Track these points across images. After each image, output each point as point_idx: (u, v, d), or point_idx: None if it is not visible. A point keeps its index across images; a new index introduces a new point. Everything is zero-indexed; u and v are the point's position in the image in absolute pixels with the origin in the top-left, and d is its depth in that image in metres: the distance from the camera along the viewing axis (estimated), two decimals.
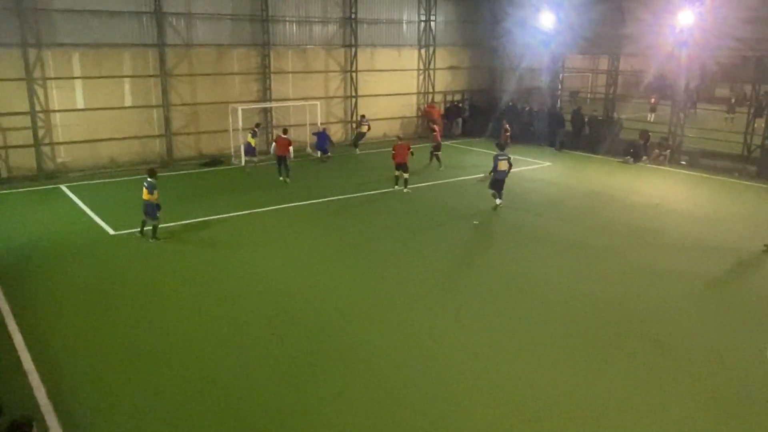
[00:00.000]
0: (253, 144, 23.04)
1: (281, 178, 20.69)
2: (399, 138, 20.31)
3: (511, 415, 8.04)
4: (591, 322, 10.73)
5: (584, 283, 12.51)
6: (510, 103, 30.85)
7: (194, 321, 10.63)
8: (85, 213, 17.03)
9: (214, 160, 23.80)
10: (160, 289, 12.08)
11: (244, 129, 23.31)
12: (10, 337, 9.87)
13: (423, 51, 30.17)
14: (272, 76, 25.41)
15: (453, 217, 17.09)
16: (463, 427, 7.76)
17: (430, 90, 30.89)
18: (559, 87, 30.21)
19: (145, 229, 14.74)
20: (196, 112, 23.99)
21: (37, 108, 20.68)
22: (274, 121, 25.87)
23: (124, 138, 22.53)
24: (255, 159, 23.25)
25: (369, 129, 27.07)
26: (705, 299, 11.90)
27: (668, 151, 24.74)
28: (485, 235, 16.28)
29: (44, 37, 20.38)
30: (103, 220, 16.25)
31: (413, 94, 30.57)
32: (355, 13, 27.19)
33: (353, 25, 27.28)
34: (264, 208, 17.64)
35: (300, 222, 16.56)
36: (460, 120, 31.53)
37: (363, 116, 27.38)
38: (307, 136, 25.66)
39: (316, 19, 26.43)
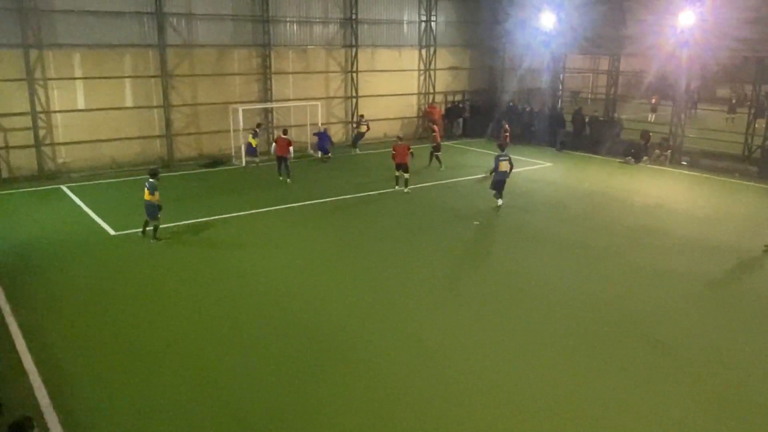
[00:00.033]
0: (254, 144, 23.07)
1: (281, 178, 20.72)
2: (399, 138, 20.32)
3: (511, 414, 8.04)
4: (591, 322, 10.73)
5: (585, 283, 12.51)
6: (511, 104, 30.86)
7: (194, 321, 10.64)
8: (85, 213, 17.05)
9: (215, 161, 23.81)
10: (160, 289, 12.09)
11: (244, 129, 23.33)
12: (10, 338, 9.88)
13: (423, 51, 30.17)
14: (273, 76, 25.43)
15: (453, 218, 17.09)
16: (463, 427, 7.77)
17: (431, 90, 30.89)
18: (560, 87, 30.21)
19: (147, 229, 14.76)
20: (197, 112, 24.01)
21: (38, 108, 20.70)
22: (275, 122, 25.88)
23: (125, 138, 22.54)
24: (256, 159, 23.28)
25: (368, 129, 27.07)
26: (705, 299, 11.90)
27: (669, 151, 24.72)
28: (486, 235, 16.28)
29: (45, 37, 20.41)
30: (104, 220, 16.26)
31: (414, 94, 30.57)
32: (356, 13, 27.20)
33: (354, 25, 27.29)
34: (264, 208, 17.65)
35: (300, 222, 16.58)
36: (460, 120, 31.53)
37: (362, 116, 27.40)
38: (307, 137, 25.67)
39: (317, 20, 26.44)
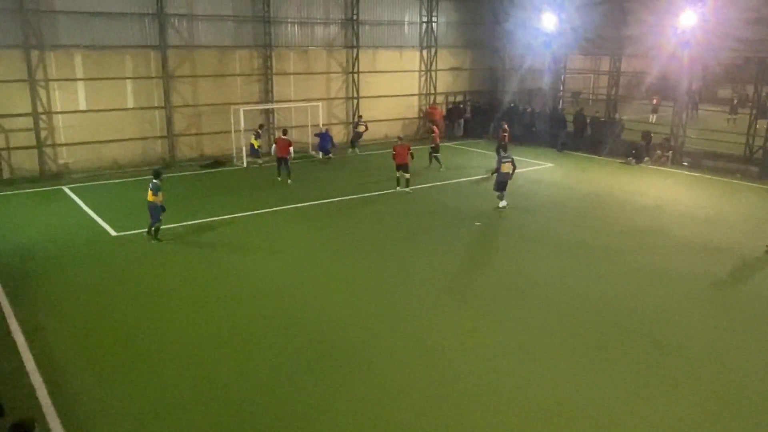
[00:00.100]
0: (256, 146, 23.10)
1: (279, 179, 20.73)
2: (399, 138, 20.33)
3: (511, 415, 8.04)
4: (592, 322, 10.72)
5: (586, 283, 12.50)
6: (512, 104, 30.85)
7: (195, 321, 10.65)
8: (87, 214, 17.06)
9: (216, 162, 23.84)
10: (161, 289, 12.10)
11: (246, 130, 23.35)
12: (12, 338, 9.89)
13: (425, 52, 30.19)
14: (274, 77, 25.45)
15: (455, 218, 17.08)
16: (463, 427, 7.76)
17: (432, 91, 30.91)
18: (561, 88, 30.21)
19: (152, 229, 14.77)
20: (198, 113, 24.04)
21: (40, 109, 20.74)
22: (276, 122, 25.90)
23: (126, 139, 22.59)
24: (259, 161, 23.31)
25: (366, 129, 27.06)
26: (706, 300, 11.88)
27: (670, 152, 24.71)
28: (487, 235, 16.27)
29: (46, 38, 20.45)
30: (105, 221, 16.27)
31: (415, 95, 30.60)
32: (357, 14, 27.22)
33: (355, 26, 27.31)
34: (265, 209, 17.66)
35: (301, 223, 16.58)
36: (461, 121, 31.54)
37: (360, 117, 27.43)
38: (309, 137, 25.69)
39: (318, 21, 26.46)
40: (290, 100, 26.03)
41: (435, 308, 11.25)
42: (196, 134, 24.18)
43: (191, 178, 21.84)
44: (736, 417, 8.11)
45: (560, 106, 29.97)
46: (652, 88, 32.31)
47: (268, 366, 9.19)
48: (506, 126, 24.99)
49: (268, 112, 25.77)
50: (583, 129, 27.90)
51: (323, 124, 25.81)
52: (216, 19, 23.70)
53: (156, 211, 14.35)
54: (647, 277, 12.80)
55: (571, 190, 20.55)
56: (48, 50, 20.57)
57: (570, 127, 28.23)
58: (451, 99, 31.88)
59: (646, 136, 25.58)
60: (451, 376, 8.93)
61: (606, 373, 9.08)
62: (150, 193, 14.21)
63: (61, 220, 16.50)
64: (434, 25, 29.95)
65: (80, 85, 21.44)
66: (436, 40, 30.22)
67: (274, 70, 25.39)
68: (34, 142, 20.82)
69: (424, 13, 29.65)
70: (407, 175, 19.52)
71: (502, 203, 17.61)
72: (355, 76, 27.94)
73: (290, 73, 26.11)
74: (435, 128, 23.95)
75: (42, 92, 20.70)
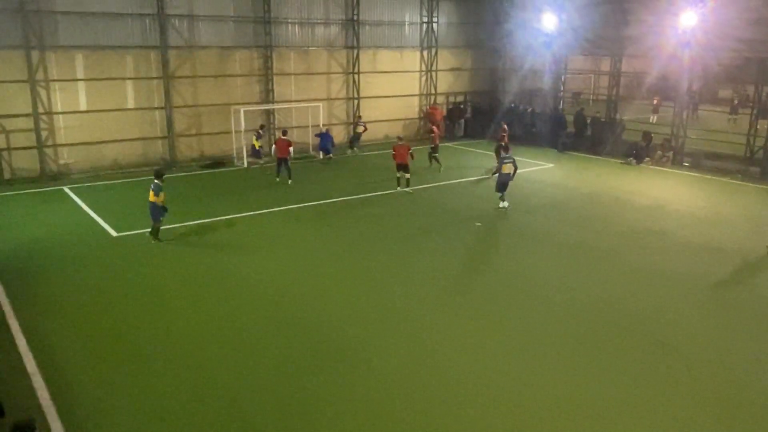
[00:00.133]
0: (257, 146, 23.10)
1: (278, 179, 20.73)
2: (399, 138, 20.33)
3: (512, 415, 8.03)
4: (593, 322, 10.72)
5: (586, 283, 12.50)
6: (512, 105, 30.85)
7: (195, 321, 10.66)
8: (87, 215, 17.08)
9: (217, 162, 23.85)
10: (161, 290, 12.11)
11: (246, 131, 23.36)
12: (12, 339, 9.90)
13: (425, 53, 30.19)
14: (274, 77, 25.46)
15: (455, 219, 17.08)
16: (463, 427, 7.76)
17: (433, 92, 30.91)
18: (562, 88, 30.19)
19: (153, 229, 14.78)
20: (199, 113, 24.06)
21: (40, 110, 20.76)
22: (276, 123, 25.90)
23: (127, 140, 22.60)
24: (260, 161, 23.33)
25: (365, 130, 27.07)
26: (706, 300, 11.87)
27: (671, 152, 24.69)
28: (487, 236, 16.27)
29: (47, 39, 20.47)
30: (106, 221, 16.28)
31: (415, 95, 30.60)
32: (357, 14, 27.23)
33: (355, 26, 27.32)
34: (265, 209, 17.67)
35: (301, 223, 16.59)
36: (462, 121, 31.54)
37: (359, 117, 27.43)
38: (309, 138, 25.70)
39: (319, 21, 26.47)
40: (291, 101, 26.05)
41: (435, 308, 11.25)
42: (197, 134, 24.19)
43: (192, 179, 21.85)
44: (736, 417, 8.10)
45: (561, 107, 29.96)
46: (652, 88, 32.27)
47: (268, 366, 9.20)
48: (505, 126, 25.01)
49: (268, 113, 25.78)
50: (584, 129, 27.88)
51: (324, 125, 25.81)
52: (216, 19, 23.72)
53: (156, 212, 14.36)
54: (648, 278, 12.80)
55: (572, 191, 20.55)
56: (48, 51, 20.59)
57: (570, 128, 28.21)
58: (451, 99, 31.88)
59: (647, 136, 25.56)
60: (451, 376, 8.93)
61: (606, 373, 9.08)
62: (151, 193, 14.22)
63: (62, 221, 16.52)
64: (435, 25, 29.95)
65: (81, 85, 21.46)
66: (436, 40, 30.23)
67: (274, 71, 25.40)
68: (34, 143, 20.84)
69: (424, 13, 29.66)
70: (408, 175, 19.53)
71: (503, 204, 17.61)
72: (356, 76, 27.95)
73: (291, 74, 26.12)
74: (434, 129, 23.97)
75: (42, 93, 20.72)
